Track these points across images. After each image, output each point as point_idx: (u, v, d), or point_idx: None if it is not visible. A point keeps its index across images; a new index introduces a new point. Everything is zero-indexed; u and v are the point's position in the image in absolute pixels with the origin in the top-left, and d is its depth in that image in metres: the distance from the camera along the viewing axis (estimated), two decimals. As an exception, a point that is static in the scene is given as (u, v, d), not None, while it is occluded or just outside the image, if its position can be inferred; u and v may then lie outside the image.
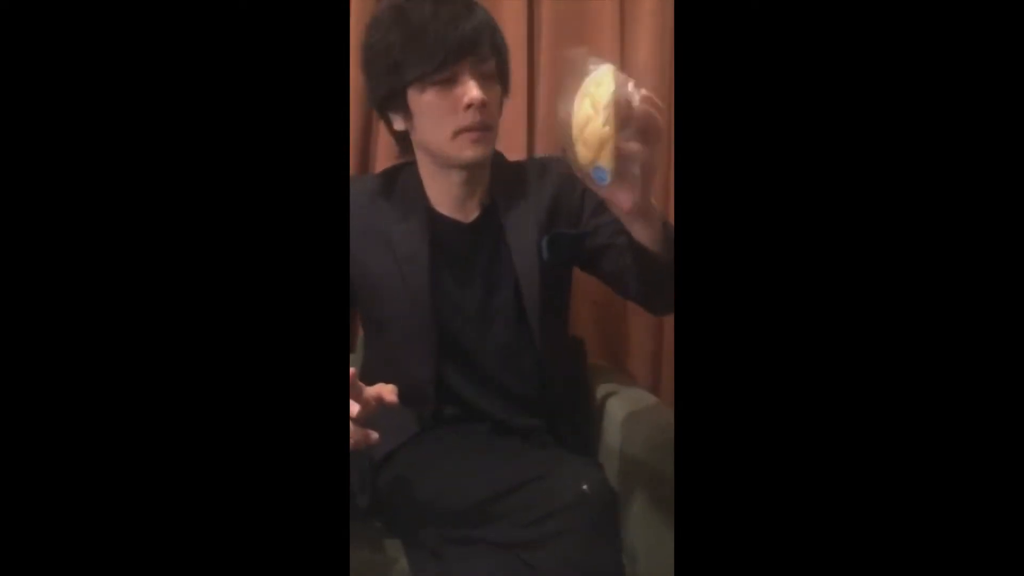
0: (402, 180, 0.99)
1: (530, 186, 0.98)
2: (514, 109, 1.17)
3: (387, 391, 0.71)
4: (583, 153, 0.65)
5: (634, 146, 0.65)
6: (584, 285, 1.00)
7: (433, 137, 0.91)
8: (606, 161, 0.64)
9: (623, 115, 0.63)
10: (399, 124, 0.94)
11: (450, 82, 0.87)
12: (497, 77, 0.91)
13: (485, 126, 0.88)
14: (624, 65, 1.28)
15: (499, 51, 0.91)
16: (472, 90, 0.86)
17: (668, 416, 0.95)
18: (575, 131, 0.65)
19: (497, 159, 0.99)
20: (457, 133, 0.88)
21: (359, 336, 1.13)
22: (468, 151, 0.90)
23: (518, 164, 1.04)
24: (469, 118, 0.87)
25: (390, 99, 0.91)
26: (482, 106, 0.87)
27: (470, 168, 0.93)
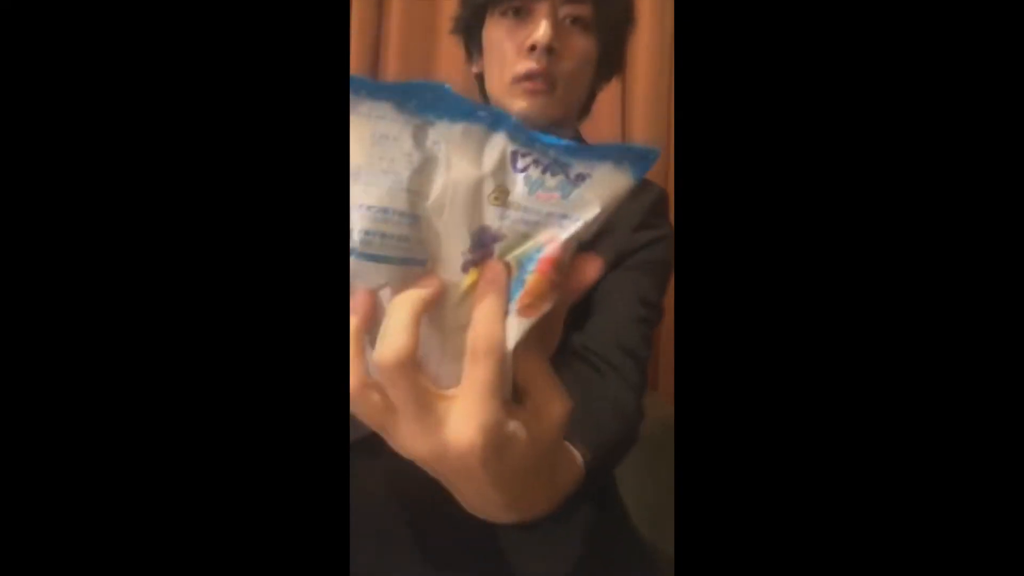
0: None
1: None
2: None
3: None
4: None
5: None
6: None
7: (493, 82, 0.77)
8: None
9: None
10: (476, 66, 0.81)
11: (523, 13, 0.73)
12: (595, 30, 0.74)
13: (547, 78, 0.72)
14: (624, 65, 1.29)
15: (609, 4, 0.75)
16: (540, 29, 0.70)
17: (668, 413, 0.95)
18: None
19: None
20: (515, 80, 0.74)
21: None
22: (520, 102, 0.74)
23: None
24: (529, 63, 0.72)
25: (468, 28, 0.79)
26: (547, 51, 0.70)
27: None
